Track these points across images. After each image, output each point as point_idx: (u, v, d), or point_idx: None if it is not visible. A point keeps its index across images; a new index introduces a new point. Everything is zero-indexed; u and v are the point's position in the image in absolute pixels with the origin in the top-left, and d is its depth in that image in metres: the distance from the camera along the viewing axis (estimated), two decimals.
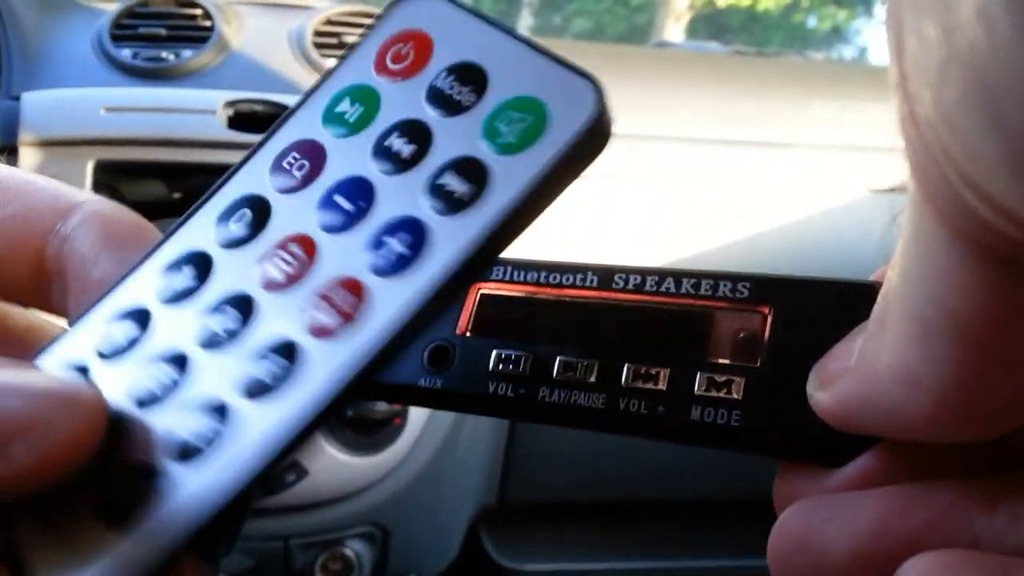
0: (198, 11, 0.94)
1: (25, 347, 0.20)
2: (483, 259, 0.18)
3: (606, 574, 0.99)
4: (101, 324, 0.19)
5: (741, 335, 0.20)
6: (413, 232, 0.18)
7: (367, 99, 0.20)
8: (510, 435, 0.92)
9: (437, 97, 0.19)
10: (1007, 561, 0.15)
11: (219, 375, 0.18)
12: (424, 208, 0.18)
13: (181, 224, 0.20)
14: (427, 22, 0.20)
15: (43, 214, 0.20)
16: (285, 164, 0.20)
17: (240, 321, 0.18)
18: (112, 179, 0.84)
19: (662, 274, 0.21)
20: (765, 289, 0.20)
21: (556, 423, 0.21)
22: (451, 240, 0.18)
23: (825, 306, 0.19)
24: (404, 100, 0.19)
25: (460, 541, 0.97)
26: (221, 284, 0.19)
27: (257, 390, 0.18)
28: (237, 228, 0.19)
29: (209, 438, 0.17)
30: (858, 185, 0.98)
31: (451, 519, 0.93)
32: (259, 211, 0.19)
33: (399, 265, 0.18)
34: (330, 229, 0.19)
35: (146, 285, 0.19)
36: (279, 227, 0.19)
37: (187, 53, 0.90)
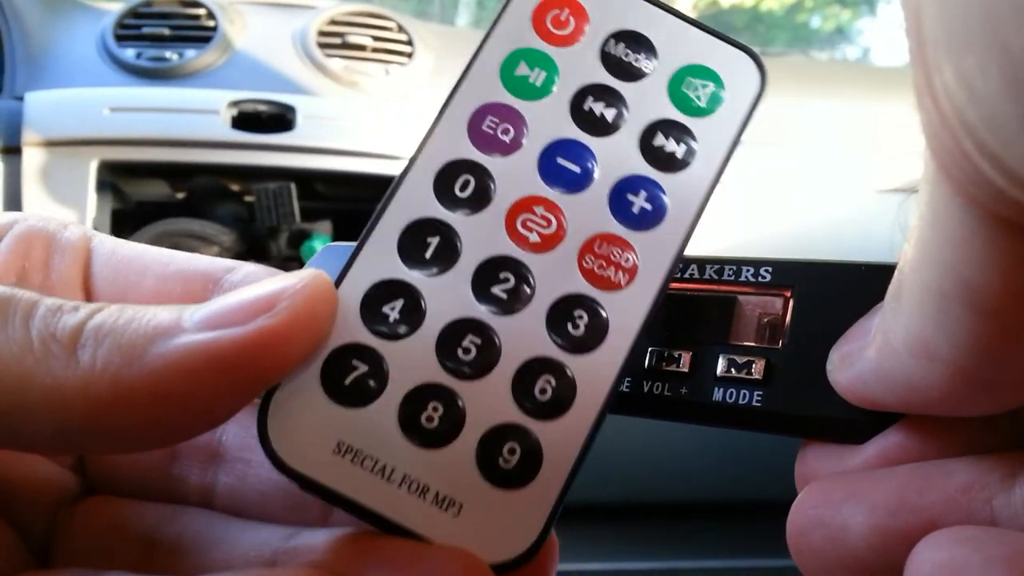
0: (201, 11, 0.94)
1: None
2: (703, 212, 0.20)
3: (606, 574, 0.99)
4: (358, 303, 0.19)
5: (763, 318, 0.20)
6: (651, 189, 0.20)
7: (544, 63, 0.20)
8: None
9: (614, 64, 0.20)
10: None
11: (528, 336, 0.19)
12: (649, 168, 0.20)
13: (389, 198, 0.20)
14: None
15: (207, 269, 0.20)
16: (486, 128, 0.20)
17: (522, 283, 0.19)
18: (116, 179, 0.84)
19: (686, 260, 0.22)
20: (786, 273, 0.20)
21: None
22: (685, 195, 0.20)
23: (845, 288, 0.19)
24: (580, 64, 0.21)
25: None
26: (477, 250, 0.19)
27: (578, 346, 0.19)
28: (466, 194, 0.20)
29: (557, 394, 0.18)
30: (862, 185, 0.98)
31: None
32: (480, 176, 0.20)
33: (652, 220, 0.19)
34: (564, 189, 0.20)
35: (388, 259, 0.19)
36: (507, 190, 0.20)
37: (191, 53, 0.90)
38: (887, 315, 0.17)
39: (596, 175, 0.20)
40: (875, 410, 0.18)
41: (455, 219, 0.19)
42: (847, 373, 0.18)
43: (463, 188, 0.20)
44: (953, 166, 0.12)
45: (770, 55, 1.45)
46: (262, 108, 0.84)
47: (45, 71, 0.89)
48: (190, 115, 0.83)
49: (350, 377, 0.18)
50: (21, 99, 0.83)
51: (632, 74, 0.20)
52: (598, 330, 0.19)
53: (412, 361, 0.18)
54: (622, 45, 0.20)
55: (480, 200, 0.20)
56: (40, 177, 0.80)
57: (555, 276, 0.19)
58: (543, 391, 0.18)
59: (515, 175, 0.20)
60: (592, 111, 0.20)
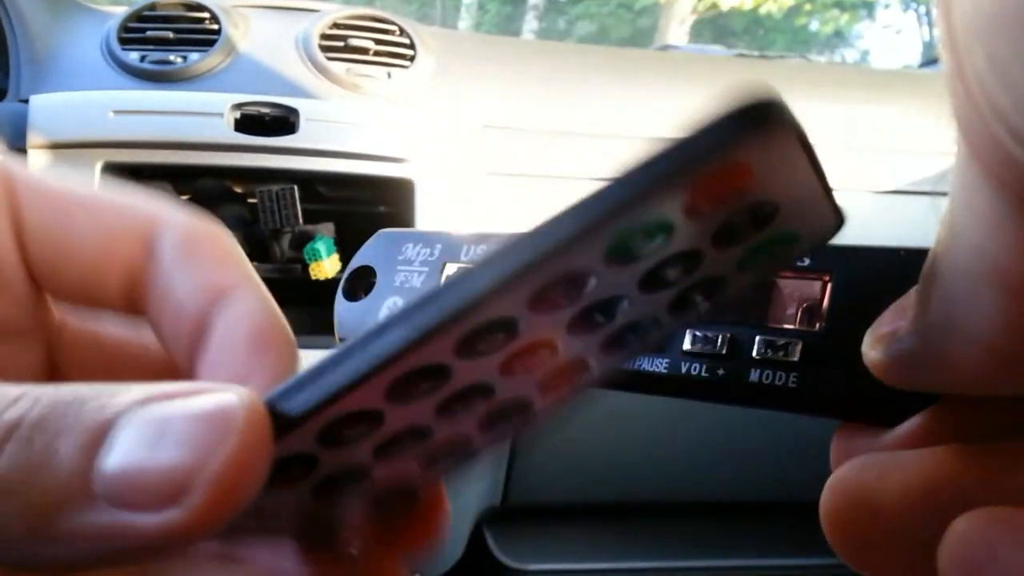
0: (205, 14, 0.95)
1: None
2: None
3: (607, 573, 0.99)
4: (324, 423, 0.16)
5: (802, 302, 0.21)
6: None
7: (662, 229, 0.16)
8: (513, 439, 0.92)
9: (724, 230, 0.16)
10: None
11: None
12: (659, 313, 0.17)
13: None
14: (755, 156, 0.15)
15: (141, 224, 0.19)
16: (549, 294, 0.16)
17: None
18: (120, 181, 0.85)
19: None
20: (825, 257, 0.21)
21: (622, 388, 0.21)
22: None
23: (884, 272, 0.20)
24: (695, 231, 0.16)
25: (465, 542, 0.98)
26: (459, 382, 0.17)
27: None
28: (482, 346, 0.16)
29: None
30: (860, 187, 0.99)
31: (456, 521, 0.94)
32: (508, 329, 0.16)
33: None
34: (575, 334, 0.17)
35: (376, 392, 0.16)
36: (524, 339, 0.16)
37: (194, 56, 0.90)
38: (921, 296, 0.17)
39: (613, 322, 0.17)
40: (910, 391, 0.18)
41: (456, 363, 0.16)
42: (882, 354, 0.18)
43: (486, 341, 0.16)
44: (983, 150, 0.12)
45: (769, 58, 1.45)
46: (265, 111, 0.85)
47: (49, 74, 0.90)
48: (194, 118, 0.84)
49: None
50: (26, 102, 0.84)
51: (732, 240, 0.16)
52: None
53: (298, 444, 0.16)
54: (745, 214, 0.16)
55: (491, 350, 0.16)
56: None
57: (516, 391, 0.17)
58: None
59: (543, 327, 0.16)
60: (661, 273, 0.16)
